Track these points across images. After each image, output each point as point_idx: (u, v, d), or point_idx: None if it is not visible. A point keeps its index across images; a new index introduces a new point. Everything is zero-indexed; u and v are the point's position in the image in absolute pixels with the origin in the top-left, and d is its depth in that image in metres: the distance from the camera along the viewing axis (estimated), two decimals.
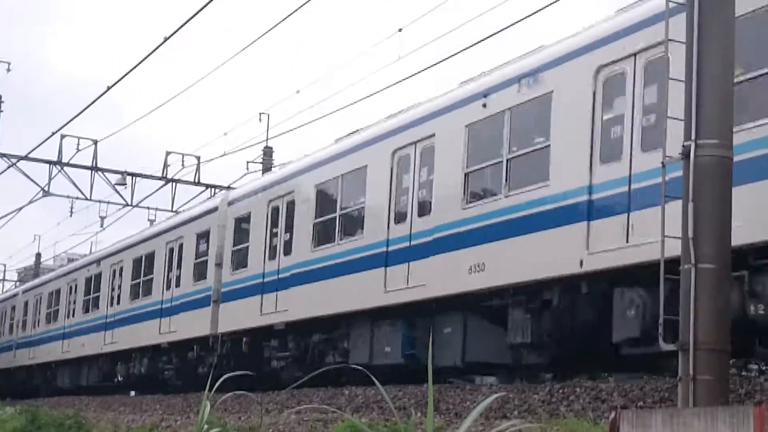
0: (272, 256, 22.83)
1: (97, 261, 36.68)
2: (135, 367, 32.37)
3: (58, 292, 40.92)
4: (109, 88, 25.57)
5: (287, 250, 22.24)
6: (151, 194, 40.31)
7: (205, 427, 7.71)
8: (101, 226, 44.19)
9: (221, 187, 38.23)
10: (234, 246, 25.06)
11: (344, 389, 18.73)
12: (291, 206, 22.32)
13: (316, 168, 21.82)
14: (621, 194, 13.80)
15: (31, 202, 39.97)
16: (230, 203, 25.81)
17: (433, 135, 18.03)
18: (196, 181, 39.63)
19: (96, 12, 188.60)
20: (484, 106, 16.70)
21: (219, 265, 25.60)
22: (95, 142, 37.89)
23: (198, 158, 39.59)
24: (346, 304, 19.73)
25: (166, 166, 39.16)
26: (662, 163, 10.32)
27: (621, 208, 13.76)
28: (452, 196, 17.19)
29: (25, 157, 36.60)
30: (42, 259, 66.61)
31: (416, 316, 18.24)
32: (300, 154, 25.36)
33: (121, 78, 24.44)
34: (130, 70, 23.57)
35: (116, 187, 38.88)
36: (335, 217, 20.67)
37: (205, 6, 18.36)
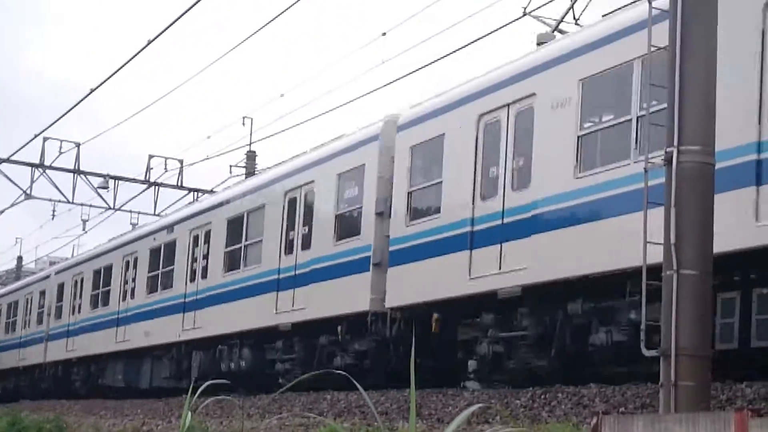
0: (72, 313, 36.62)
1: None
2: (19, 381, 44.52)
3: None
4: (92, 91, 25.52)
5: (79, 311, 35.81)
6: (133, 198, 40.26)
7: None
8: (83, 229, 44.22)
9: (204, 191, 38.16)
10: (57, 302, 38.82)
11: (326, 394, 18.73)
12: (80, 283, 36.26)
13: (95, 258, 35.32)
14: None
15: (13, 204, 39.89)
16: (56, 273, 39.98)
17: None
18: (179, 184, 39.55)
19: (79, 14, 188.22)
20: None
21: (49, 315, 39.45)
22: (78, 145, 37.79)
23: (181, 162, 39.53)
24: (99, 349, 33.36)
25: (148, 169, 39.07)
26: (644, 168, 10.34)
27: (194, 307, 26.32)
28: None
29: (7, 160, 36.47)
30: (23, 262, 66.36)
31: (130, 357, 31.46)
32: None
33: (105, 81, 24.43)
34: (114, 73, 23.57)
35: (99, 190, 38.76)
36: (97, 294, 34.28)
37: (189, 9, 18.35)
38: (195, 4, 17.99)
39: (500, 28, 20.16)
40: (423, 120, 17.94)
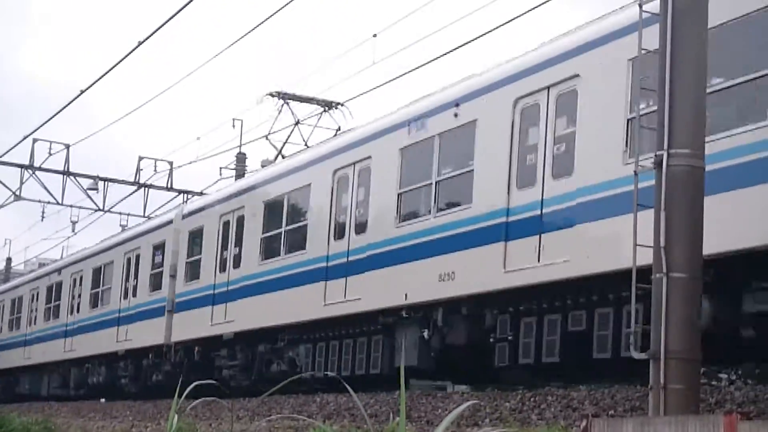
0: None
1: None
2: None
3: None
4: (82, 92, 25.47)
5: (0, 331, 43.82)
6: (123, 199, 40.16)
7: None
8: (73, 230, 44.12)
9: (193, 193, 38.09)
10: None
11: (316, 396, 18.70)
12: (2, 308, 44.12)
13: (14, 289, 44.00)
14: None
15: (2, 206, 39.78)
16: None
17: None
18: (169, 186, 39.47)
19: (70, 15, 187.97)
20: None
21: None
22: (67, 147, 37.74)
23: (171, 163, 39.46)
24: (13, 363, 41.92)
25: (138, 170, 39.00)
26: (635, 171, 10.34)
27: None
28: None
29: None
30: (13, 264, 66.23)
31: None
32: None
33: (95, 82, 24.38)
34: (104, 74, 23.52)
35: (88, 191, 38.67)
36: (13, 319, 42.63)
37: (180, 10, 18.32)
38: (186, 5, 17.97)
39: (491, 30, 20.60)
40: (194, 213, 27.01)
